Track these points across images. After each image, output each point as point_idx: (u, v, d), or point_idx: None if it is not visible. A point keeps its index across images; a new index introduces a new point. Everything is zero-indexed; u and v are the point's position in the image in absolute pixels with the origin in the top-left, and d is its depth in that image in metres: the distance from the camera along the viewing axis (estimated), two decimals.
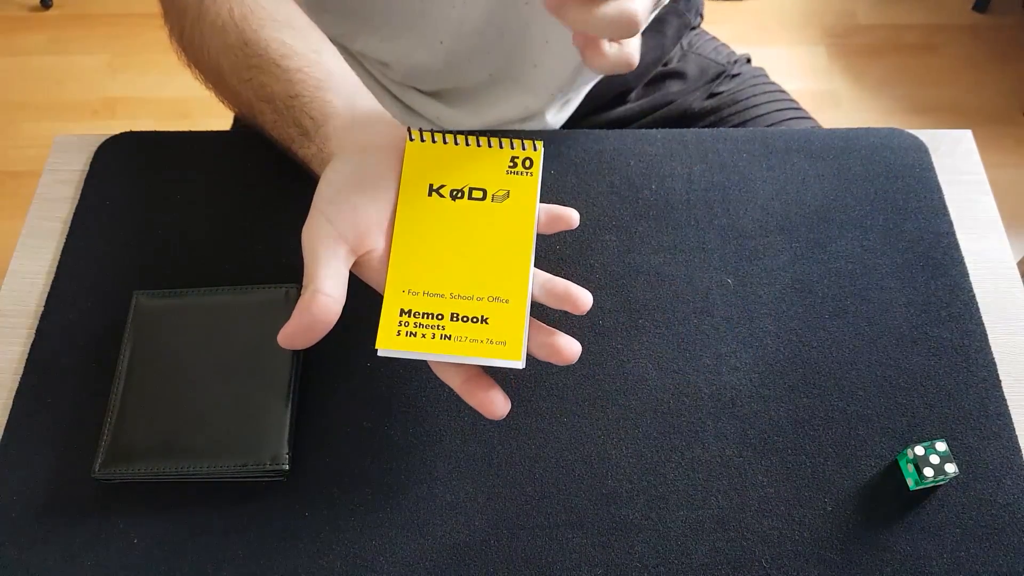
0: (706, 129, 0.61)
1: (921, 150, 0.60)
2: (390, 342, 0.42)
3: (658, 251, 0.55)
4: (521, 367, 0.42)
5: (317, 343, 0.41)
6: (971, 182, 0.59)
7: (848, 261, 0.55)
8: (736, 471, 0.48)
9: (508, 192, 0.45)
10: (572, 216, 0.46)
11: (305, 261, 0.42)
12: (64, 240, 0.55)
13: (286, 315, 0.41)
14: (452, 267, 0.43)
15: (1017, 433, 0.49)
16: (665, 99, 0.79)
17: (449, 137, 0.46)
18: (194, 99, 1.67)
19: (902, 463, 0.47)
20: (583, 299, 0.43)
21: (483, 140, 0.46)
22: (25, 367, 0.50)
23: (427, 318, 0.42)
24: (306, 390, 0.49)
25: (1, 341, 0.52)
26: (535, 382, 0.50)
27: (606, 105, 0.78)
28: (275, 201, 0.56)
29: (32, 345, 0.51)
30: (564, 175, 0.58)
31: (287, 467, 0.46)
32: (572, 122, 0.77)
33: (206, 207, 0.56)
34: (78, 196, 0.57)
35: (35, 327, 0.52)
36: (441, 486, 0.47)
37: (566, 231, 0.55)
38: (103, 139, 0.60)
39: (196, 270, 0.54)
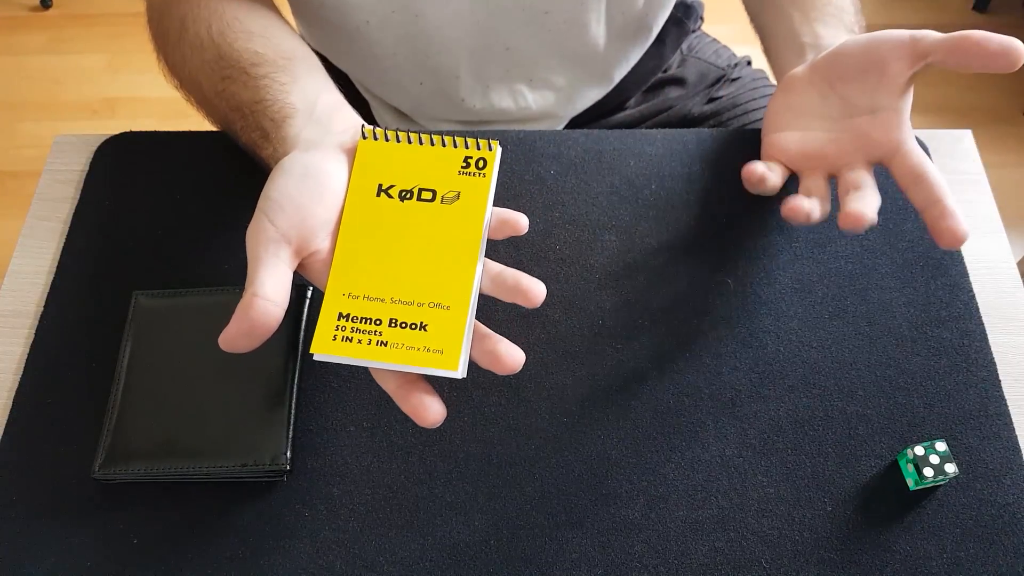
0: (706, 129, 0.61)
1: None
2: (325, 347, 0.40)
3: (658, 251, 0.55)
4: (460, 377, 0.40)
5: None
6: (971, 182, 0.59)
7: (848, 261, 0.55)
8: (736, 471, 0.48)
9: (458, 194, 0.43)
10: (520, 221, 0.43)
11: (248, 263, 0.40)
12: (64, 240, 0.55)
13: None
14: (395, 271, 0.42)
15: (1017, 433, 0.49)
16: (664, 105, 0.79)
17: (403, 135, 0.44)
18: None
19: (902, 463, 0.47)
20: (535, 290, 0.40)
21: (437, 139, 0.44)
22: (25, 367, 0.50)
23: (365, 323, 0.41)
24: (306, 390, 0.49)
25: (1, 341, 0.52)
26: (535, 382, 0.50)
27: (605, 112, 0.78)
28: None
29: (32, 345, 0.51)
30: (564, 175, 0.58)
31: (287, 467, 0.46)
32: (571, 128, 0.77)
33: (206, 207, 0.56)
34: (78, 196, 0.57)
35: (35, 327, 0.52)
36: (441, 486, 0.47)
37: (565, 230, 0.56)
38: (103, 139, 0.60)
39: (196, 270, 0.54)
